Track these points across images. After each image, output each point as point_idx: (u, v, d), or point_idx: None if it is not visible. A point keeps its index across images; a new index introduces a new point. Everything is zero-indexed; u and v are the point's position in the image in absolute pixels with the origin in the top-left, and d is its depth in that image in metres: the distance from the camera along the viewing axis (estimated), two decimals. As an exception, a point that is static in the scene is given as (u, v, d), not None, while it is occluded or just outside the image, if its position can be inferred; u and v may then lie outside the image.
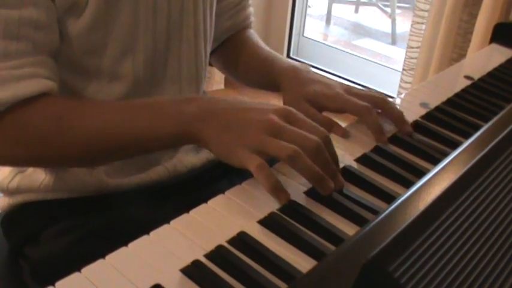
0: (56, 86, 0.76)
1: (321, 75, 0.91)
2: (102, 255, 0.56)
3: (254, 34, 1.09)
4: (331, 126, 0.82)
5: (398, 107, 0.91)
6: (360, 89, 0.87)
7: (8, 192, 0.91)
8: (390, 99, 0.87)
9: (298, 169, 0.67)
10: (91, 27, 0.79)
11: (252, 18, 1.11)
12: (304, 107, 0.85)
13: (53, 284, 0.52)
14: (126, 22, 0.81)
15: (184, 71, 0.91)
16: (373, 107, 0.82)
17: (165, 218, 0.61)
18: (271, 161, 0.68)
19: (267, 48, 1.04)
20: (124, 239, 0.58)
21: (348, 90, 0.86)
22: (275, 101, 0.88)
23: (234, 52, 1.07)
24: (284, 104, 0.89)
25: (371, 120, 0.81)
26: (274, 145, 0.66)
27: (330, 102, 0.84)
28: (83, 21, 0.78)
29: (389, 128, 0.84)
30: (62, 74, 0.82)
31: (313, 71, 0.91)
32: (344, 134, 0.82)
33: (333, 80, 0.89)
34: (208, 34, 0.95)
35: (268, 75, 0.97)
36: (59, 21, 0.78)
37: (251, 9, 1.10)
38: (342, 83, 0.88)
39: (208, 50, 0.97)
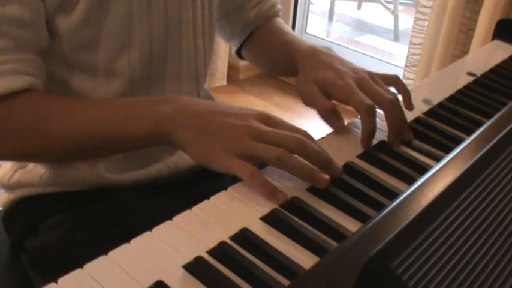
0: (39, 82, 0.76)
1: (340, 58, 0.87)
2: (99, 241, 0.55)
3: (281, 22, 1.06)
4: (332, 115, 0.80)
5: (400, 103, 0.91)
6: (376, 80, 0.83)
7: (9, 187, 0.91)
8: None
9: (288, 169, 0.67)
10: (83, 23, 0.78)
11: (279, 6, 1.08)
12: (311, 90, 0.82)
13: (56, 281, 0.52)
14: (119, 17, 0.80)
15: (184, 68, 0.91)
16: (378, 107, 0.79)
17: (163, 207, 0.61)
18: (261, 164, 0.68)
19: (290, 31, 1.01)
20: (120, 225, 0.57)
21: (361, 81, 0.81)
22: (276, 99, 0.88)
23: (261, 43, 1.05)
24: (296, 84, 0.86)
25: (367, 123, 0.78)
26: (260, 148, 0.67)
27: (337, 92, 0.81)
28: (74, 17, 0.78)
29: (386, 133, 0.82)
30: (58, 70, 0.82)
31: (332, 54, 0.88)
32: (339, 127, 0.80)
33: (350, 67, 0.85)
34: (207, 30, 0.94)
35: (288, 59, 0.94)
36: (48, 18, 0.77)
37: None
38: (359, 71, 0.84)
39: (208, 46, 0.96)
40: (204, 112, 0.71)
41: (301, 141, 0.68)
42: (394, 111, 0.79)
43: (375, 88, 0.80)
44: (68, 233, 0.83)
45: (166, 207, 0.61)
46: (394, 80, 0.85)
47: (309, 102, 0.83)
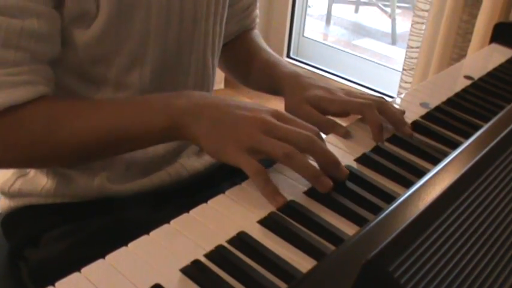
0: (50, 92, 0.76)
1: (322, 80, 0.91)
2: (101, 258, 0.56)
3: (258, 35, 1.08)
4: (333, 127, 0.82)
5: (398, 106, 0.92)
6: (361, 93, 0.88)
7: (9, 195, 0.91)
8: (390, 99, 0.87)
9: (294, 167, 0.67)
10: (100, 38, 0.78)
11: (257, 20, 1.10)
12: (306, 110, 0.85)
13: (53, 284, 0.52)
14: (137, 32, 0.80)
15: (191, 82, 0.91)
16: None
17: (166, 219, 0.61)
18: (268, 162, 0.68)
19: (269, 50, 1.03)
20: (124, 242, 0.58)
21: (349, 93, 0.87)
22: (275, 102, 0.88)
23: (236, 53, 1.06)
24: (286, 108, 0.89)
25: (372, 117, 0.81)
26: (270, 143, 0.67)
27: (332, 105, 0.84)
28: (92, 31, 0.77)
29: (390, 128, 0.84)
30: (67, 80, 0.81)
31: (314, 78, 0.91)
32: (345, 133, 0.82)
33: (335, 86, 0.89)
34: (216, 45, 0.94)
35: (269, 78, 0.97)
36: (65, 30, 0.77)
37: (257, 11, 1.09)
38: (343, 88, 0.89)
39: (215, 61, 0.97)
40: (218, 104, 0.71)
41: (312, 140, 0.68)
42: (389, 107, 0.84)
43: (364, 95, 0.86)
44: (70, 248, 0.83)
45: (169, 219, 0.61)
46: (380, 103, 0.87)
47: (306, 121, 0.83)
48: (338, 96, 0.85)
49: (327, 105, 0.84)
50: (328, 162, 0.69)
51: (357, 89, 0.89)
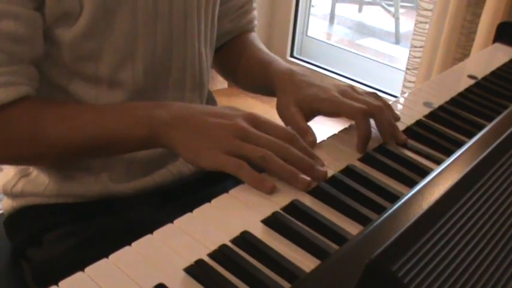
0: (32, 91, 0.77)
1: (318, 78, 0.87)
2: (105, 258, 0.56)
3: (256, 38, 1.07)
4: (304, 135, 0.78)
5: (401, 106, 0.91)
6: (359, 92, 0.84)
7: (12, 195, 0.91)
8: (394, 99, 0.86)
9: (270, 169, 0.69)
10: (85, 35, 0.78)
11: (256, 23, 1.09)
12: (290, 113, 0.82)
13: (57, 284, 0.52)
14: (123, 30, 0.80)
15: (188, 77, 0.90)
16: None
17: (169, 220, 0.61)
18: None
19: (266, 51, 1.01)
20: (128, 241, 0.58)
21: (344, 92, 0.82)
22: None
23: (233, 55, 1.05)
24: (276, 108, 0.86)
25: (361, 126, 0.77)
26: (246, 147, 0.70)
27: (324, 105, 0.81)
28: (77, 29, 0.77)
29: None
30: (60, 79, 0.82)
31: (311, 75, 0.88)
32: (312, 142, 0.78)
33: (330, 83, 0.85)
34: (209, 36, 0.94)
35: (264, 79, 0.94)
36: (49, 29, 0.77)
37: (255, 13, 1.08)
38: (340, 85, 0.85)
39: (211, 55, 0.96)
40: (194, 114, 0.74)
41: (283, 147, 0.71)
42: (383, 115, 0.79)
43: (361, 96, 0.81)
44: (73, 248, 0.83)
45: (172, 219, 0.62)
46: (374, 96, 0.85)
47: (287, 124, 0.83)
48: (331, 95, 0.81)
49: (317, 105, 0.81)
50: (301, 165, 0.70)
51: (358, 87, 0.84)
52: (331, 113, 0.81)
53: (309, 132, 0.79)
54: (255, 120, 0.73)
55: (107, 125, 0.75)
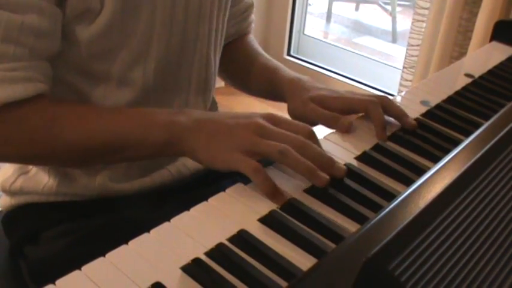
0: (48, 89, 0.76)
1: (324, 84, 0.93)
2: (102, 256, 0.56)
3: (254, 40, 1.10)
4: (338, 120, 0.83)
5: (398, 104, 0.91)
6: (364, 94, 0.89)
7: (11, 193, 0.91)
8: (391, 97, 0.87)
9: (289, 164, 0.69)
10: (103, 34, 0.78)
11: (253, 25, 1.11)
12: (311, 107, 0.86)
13: (53, 282, 0.52)
14: (141, 30, 0.80)
15: (194, 81, 0.91)
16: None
17: (166, 218, 0.61)
18: (266, 162, 0.69)
19: (266, 55, 1.05)
20: (125, 240, 0.58)
21: (352, 93, 0.88)
22: (278, 104, 0.90)
23: (233, 58, 1.07)
24: (289, 111, 0.91)
25: (376, 115, 0.82)
26: (264, 143, 0.69)
27: (336, 103, 0.86)
28: (95, 27, 0.77)
29: (391, 125, 0.84)
30: (69, 76, 0.81)
31: (316, 82, 0.93)
32: (348, 126, 0.83)
33: (335, 89, 0.91)
34: (218, 43, 0.95)
35: (270, 83, 0.98)
36: (67, 26, 0.77)
37: (253, 16, 1.11)
38: (347, 90, 0.91)
39: (217, 59, 0.97)
40: (214, 118, 0.74)
41: (302, 143, 0.70)
42: (391, 103, 0.86)
43: (368, 95, 0.87)
44: (70, 246, 0.83)
45: (169, 217, 0.62)
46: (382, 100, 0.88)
47: (312, 119, 0.86)
48: (341, 94, 0.87)
49: (330, 103, 0.86)
50: (321, 162, 0.70)
51: (358, 88, 0.89)
52: (343, 109, 0.85)
53: (343, 117, 0.84)
54: (274, 118, 0.74)
55: (126, 128, 0.75)
